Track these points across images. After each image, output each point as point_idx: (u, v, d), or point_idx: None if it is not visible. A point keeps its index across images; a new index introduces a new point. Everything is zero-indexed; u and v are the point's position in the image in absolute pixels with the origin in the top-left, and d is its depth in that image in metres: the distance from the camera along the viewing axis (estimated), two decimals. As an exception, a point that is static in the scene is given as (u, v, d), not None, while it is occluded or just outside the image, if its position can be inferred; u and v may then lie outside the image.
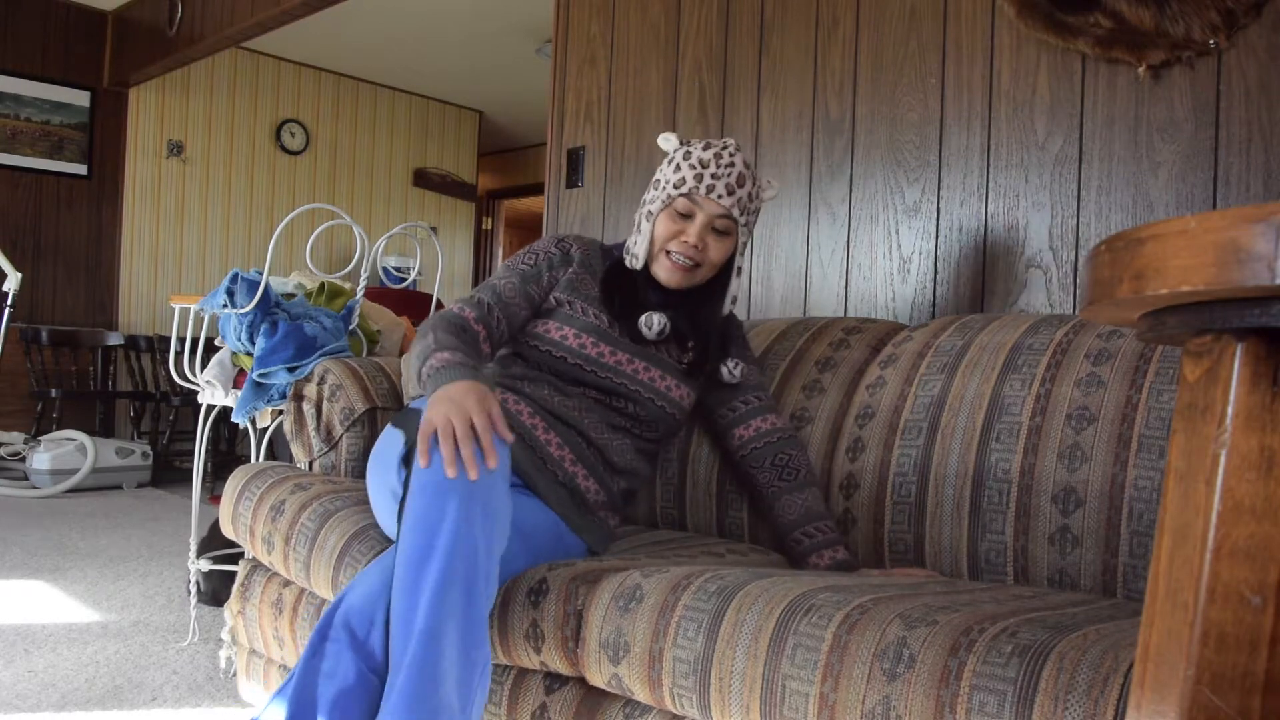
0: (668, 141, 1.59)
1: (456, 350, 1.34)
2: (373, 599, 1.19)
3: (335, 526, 1.55)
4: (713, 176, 1.50)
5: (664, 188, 1.54)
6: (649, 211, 1.56)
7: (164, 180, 6.02)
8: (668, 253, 1.53)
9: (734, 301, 1.61)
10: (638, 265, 1.57)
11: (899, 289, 2.12)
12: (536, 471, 1.47)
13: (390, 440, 1.48)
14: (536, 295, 1.56)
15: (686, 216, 1.52)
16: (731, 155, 1.53)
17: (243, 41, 5.27)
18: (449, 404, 1.20)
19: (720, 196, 1.50)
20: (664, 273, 1.54)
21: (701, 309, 1.60)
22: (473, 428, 1.19)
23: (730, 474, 1.74)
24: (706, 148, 1.53)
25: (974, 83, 2.00)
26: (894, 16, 2.13)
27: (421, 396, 1.52)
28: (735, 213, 1.52)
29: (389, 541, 1.46)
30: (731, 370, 1.62)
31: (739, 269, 1.58)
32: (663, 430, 1.61)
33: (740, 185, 1.52)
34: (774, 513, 1.58)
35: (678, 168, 1.53)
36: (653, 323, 1.54)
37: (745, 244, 1.58)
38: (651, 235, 1.54)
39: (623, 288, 1.58)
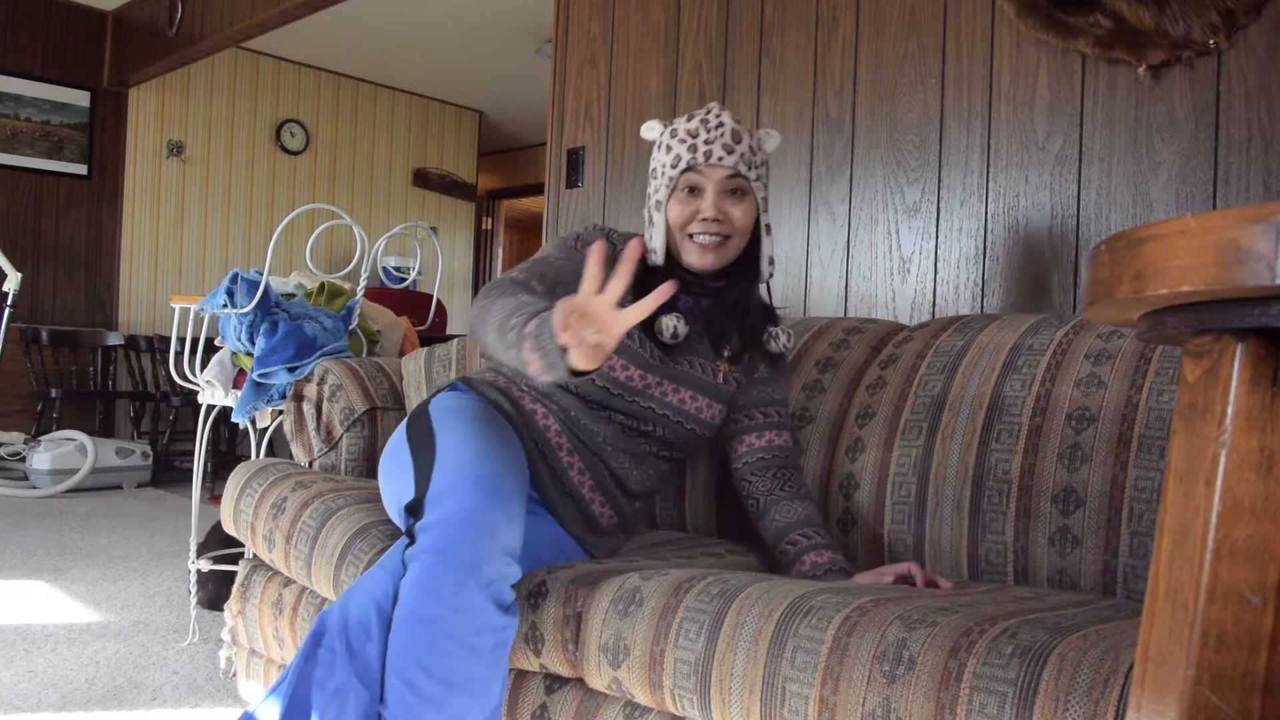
0: (651, 130, 1.51)
1: (525, 311, 1.16)
2: (368, 610, 1.19)
3: (337, 525, 1.55)
4: (706, 143, 1.42)
5: (664, 173, 1.45)
6: (657, 202, 1.46)
7: (164, 180, 6.02)
8: (690, 236, 1.44)
9: (772, 262, 1.50)
10: (659, 261, 1.46)
11: (899, 289, 2.12)
12: (555, 493, 1.47)
13: (402, 463, 1.40)
14: None
15: (695, 192, 1.43)
16: (718, 117, 1.44)
17: (243, 41, 5.27)
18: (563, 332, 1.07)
19: (721, 158, 1.41)
20: (695, 258, 1.44)
21: (739, 286, 1.51)
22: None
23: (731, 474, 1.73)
24: (690, 119, 1.45)
25: (974, 83, 2.00)
26: (894, 16, 2.13)
27: (450, 389, 1.52)
28: (743, 169, 1.42)
29: (391, 540, 1.46)
30: (775, 339, 1.52)
31: (767, 227, 1.48)
32: (690, 449, 1.57)
33: (737, 142, 1.43)
34: (769, 517, 1.50)
35: (669, 149, 1.45)
36: (667, 326, 1.43)
37: (765, 199, 1.47)
38: (667, 224, 1.45)
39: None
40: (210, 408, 2.44)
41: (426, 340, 2.89)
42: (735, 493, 1.74)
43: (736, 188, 1.43)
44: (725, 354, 1.52)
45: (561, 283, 1.38)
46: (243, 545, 2.24)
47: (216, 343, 2.45)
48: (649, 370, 1.46)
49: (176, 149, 6.03)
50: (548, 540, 1.43)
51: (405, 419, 1.53)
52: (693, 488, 1.78)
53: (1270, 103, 1.63)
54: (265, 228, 6.43)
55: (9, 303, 4.37)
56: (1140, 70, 1.75)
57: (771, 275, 1.51)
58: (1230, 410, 0.48)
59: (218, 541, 2.58)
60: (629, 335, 1.45)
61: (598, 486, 1.48)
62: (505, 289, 1.29)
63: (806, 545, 1.43)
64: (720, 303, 1.51)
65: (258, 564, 1.85)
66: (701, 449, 1.69)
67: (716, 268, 1.45)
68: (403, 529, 1.31)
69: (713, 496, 1.76)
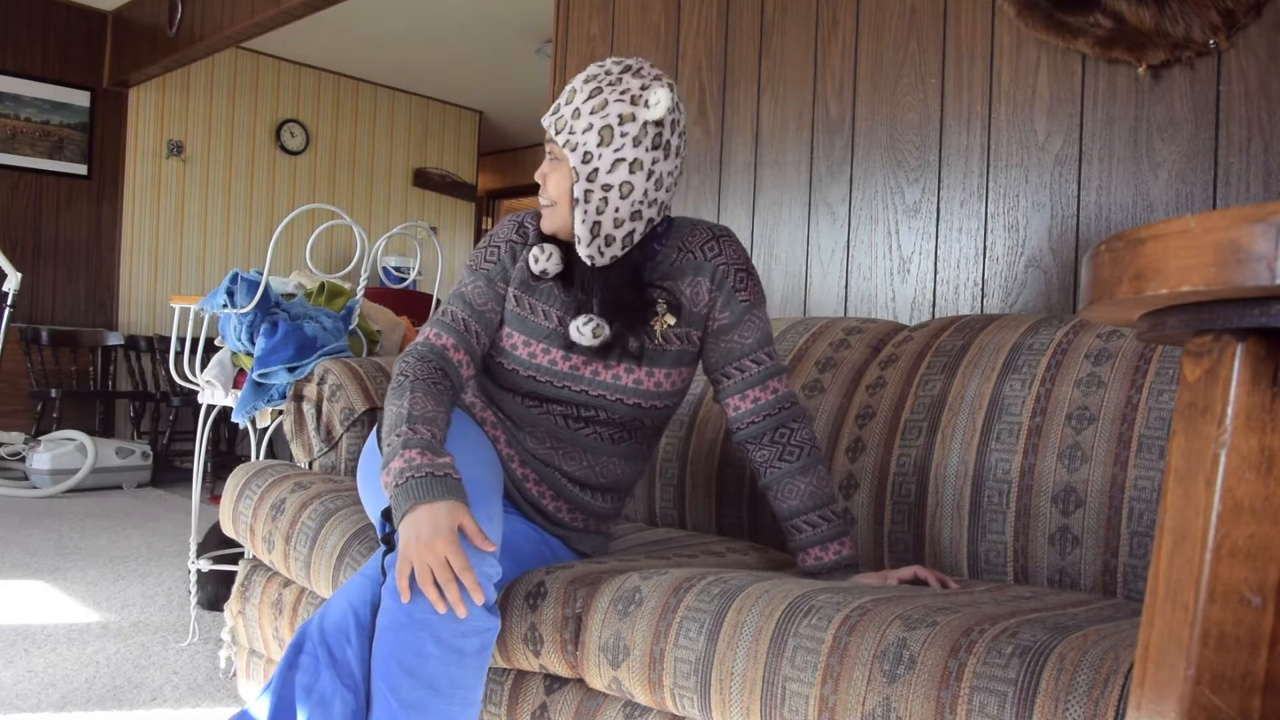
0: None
1: (427, 446, 1.21)
2: (346, 616, 1.19)
3: (336, 525, 1.55)
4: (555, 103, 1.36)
5: None
6: None
7: (164, 180, 6.02)
8: None
9: (580, 240, 1.33)
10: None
11: (899, 289, 2.12)
12: (519, 499, 1.45)
13: (375, 469, 1.40)
14: (505, 292, 1.41)
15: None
16: (575, 78, 1.34)
17: (243, 41, 5.27)
18: (423, 548, 1.12)
19: (545, 120, 1.36)
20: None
21: (620, 269, 1.37)
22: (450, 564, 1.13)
23: (731, 472, 1.73)
24: None
25: (974, 83, 2.00)
26: (894, 16, 2.13)
27: None
28: (552, 131, 1.33)
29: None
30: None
31: (576, 199, 1.31)
32: (651, 423, 1.46)
33: (568, 102, 1.32)
34: (772, 495, 1.41)
35: None
36: (583, 332, 1.35)
37: (586, 169, 1.30)
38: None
39: (563, 270, 1.38)
40: (210, 408, 2.44)
41: (426, 340, 2.89)
42: (735, 490, 1.74)
43: (551, 153, 1.35)
44: (659, 311, 1.38)
45: (480, 312, 1.39)
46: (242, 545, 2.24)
47: (216, 343, 2.45)
48: (571, 349, 1.38)
49: (176, 149, 6.03)
50: (528, 539, 1.41)
51: (375, 425, 1.51)
52: (693, 486, 1.78)
53: (1270, 103, 1.63)
54: (265, 228, 6.43)
55: (9, 303, 4.37)
56: (1140, 70, 1.75)
57: (599, 258, 1.34)
58: (1230, 410, 0.48)
59: (217, 541, 2.58)
60: (545, 316, 1.39)
61: (558, 495, 1.44)
62: (422, 373, 1.30)
63: (812, 536, 1.38)
64: (619, 269, 1.37)
65: (257, 564, 1.85)
66: (672, 415, 1.53)
67: (549, 231, 1.38)
68: (379, 535, 1.30)
69: (712, 494, 1.76)
